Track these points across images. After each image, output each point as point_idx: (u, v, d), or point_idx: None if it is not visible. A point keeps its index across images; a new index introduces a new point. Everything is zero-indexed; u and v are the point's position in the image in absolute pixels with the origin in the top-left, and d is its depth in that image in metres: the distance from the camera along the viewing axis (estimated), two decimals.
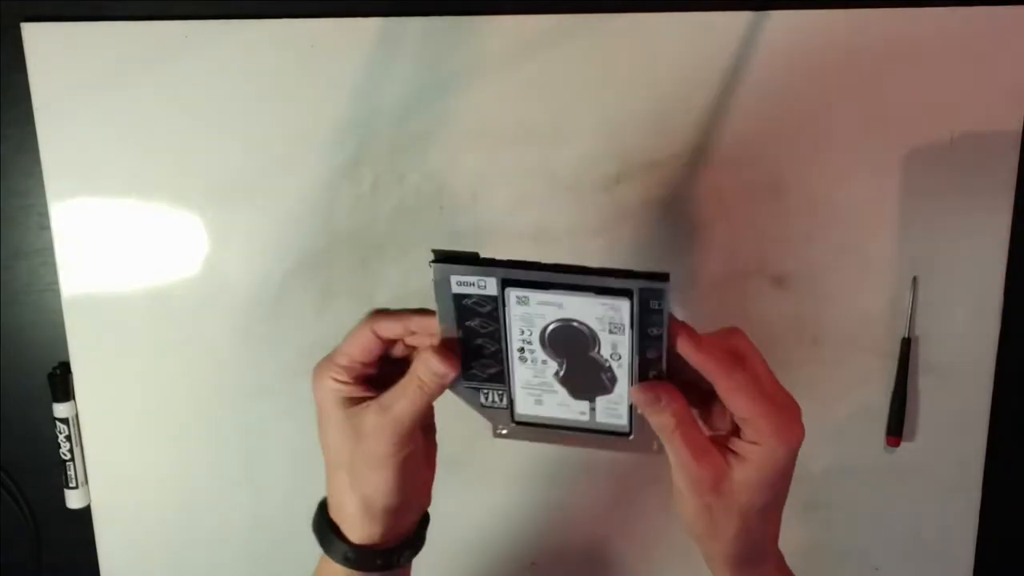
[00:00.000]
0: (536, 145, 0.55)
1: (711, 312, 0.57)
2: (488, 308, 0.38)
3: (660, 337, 0.37)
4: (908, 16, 0.53)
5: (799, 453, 0.38)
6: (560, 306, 0.38)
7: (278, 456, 0.60)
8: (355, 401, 0.40)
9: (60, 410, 0.59)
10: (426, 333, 0.39)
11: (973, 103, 0.54)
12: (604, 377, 0.39)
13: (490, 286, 0.38)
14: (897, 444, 0.58)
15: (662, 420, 0.38)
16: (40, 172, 0.55)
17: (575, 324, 0.38)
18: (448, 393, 0.40)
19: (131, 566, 0.62)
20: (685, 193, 0.56)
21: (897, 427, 0.58)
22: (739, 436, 0.38)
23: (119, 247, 0.57)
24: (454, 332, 0.39)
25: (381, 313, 0.40)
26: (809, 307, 0.57)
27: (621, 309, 0.37)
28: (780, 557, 0.42)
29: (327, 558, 0.41)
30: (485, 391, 0.41)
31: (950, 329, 0.57)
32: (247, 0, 0.54)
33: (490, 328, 0.39)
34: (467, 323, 0.39)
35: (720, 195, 0.55)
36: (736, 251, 0.56)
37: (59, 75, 0.54)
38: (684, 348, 0.37)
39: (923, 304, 0.57)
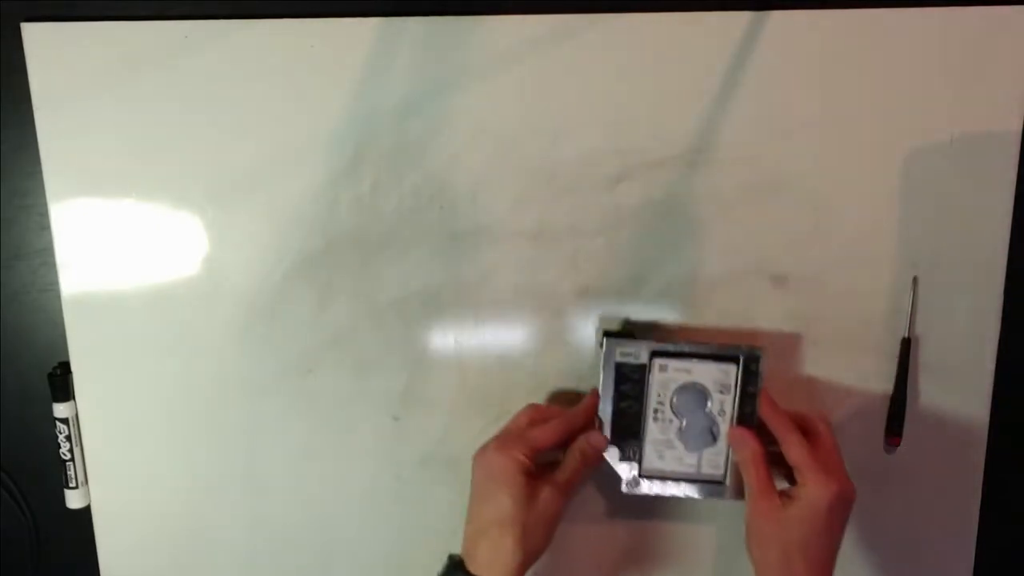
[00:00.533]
0: (536, 145, 0.55)
1: (711, 312, 0.57)
2: (637, 376, 0.53)
3: (755, 395, 0.52)
4: (908, 16, 0.53)
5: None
6: (689, 372, 0.52)
7: (278, 456, 0.60)
8: (531, 474, 0.51)
9: (60, 410, 0.59)
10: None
11: (973, 103, 0.54)
12: (712, 431, 0.53)
13: (642, 356, 0.53)
14: (897, 444, 0.58)
15: (743, 455, 0.52)
16: (40, 172, 0.55)
17: (697, 385, 0.53)
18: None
19: (131, 566, 0.62)
20: (685, 193, 0.56)
21: (897, 427, 0.57)
22: (794, 483, 0.51)
23: (119, 247, 0.57)
24: (610, 394, 0.53)
25: (568, 412, 0.54)
26: (809, 307, 0.57)
27: (730, 372, 0.52)
28: None
29: None
30: (623, 448, 0.54)
31: (950, 329, 0.57)
32: (247, 0, 0.54)
33: (635, 392, 0.53)
34: (621, 387, 0.53)
35: (720, 195, 0.55)
36: (736, 251, 0.56)
37: (59, 75, 0.54)
38: (764, 410, 0.52)
39: (923, 304, 0.57)
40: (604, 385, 0.53)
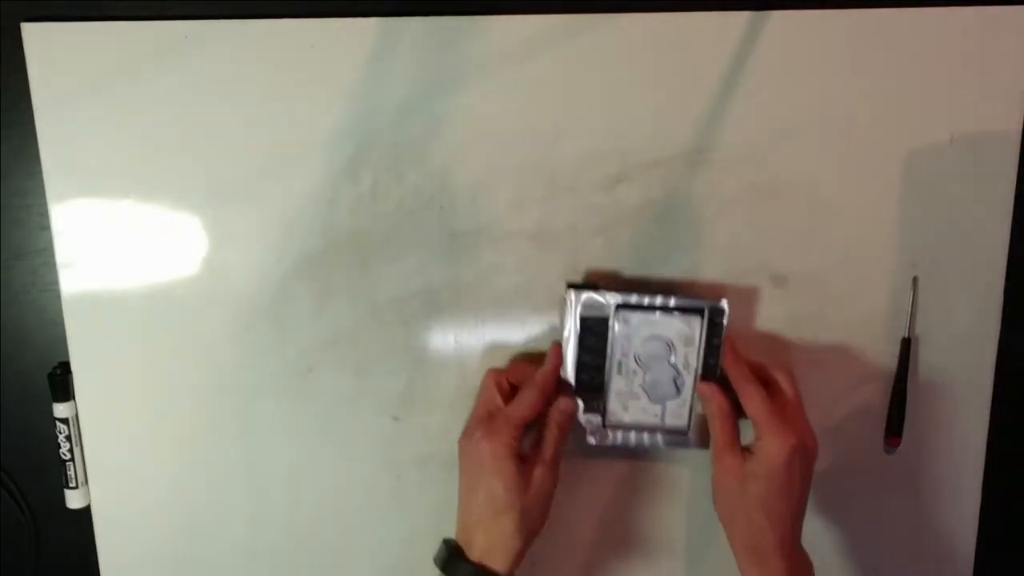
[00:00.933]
0: (536, 145, 0.55)
1: None
2: (601, 328, 0.53)
3: (719, 347, 0.52)
4: (908, 16, 0.53)
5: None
6: (652, 324, 0.52)
7: (278, 456, 0.60)
8: (520, 457, 0.50)
9: (60, 410, 0.59)
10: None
11: (973, 103, 0.54)
12: (676, 382, 0.53)
13: (607, 309, 0.52)
14: (897, 444, 0.58)
15: (710, 409, 0.52)
16: (40, 172, 0.55)
17: (661, 337, 0.52)
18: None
19: (131, 566, 0.62)
20: (685, 193, 0.56)
21: (897, 427, 0.58)
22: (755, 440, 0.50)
23: (119, 247, 0.57)
24: (574, 348, 0.53)
25: (536, 376, 0.53)
26: (809, 307, 0.57)
27: (694, 324, 0.52)
28: (794, 564, 0.49)
29: None
30: (588, 400, 0.54)
31: (950, 329, 0.57)
32: (247, 0, 0.54)
33: (599, 345, 0.53)
34: (584, 341, 0.53)
35: (720, 195, 0.55)
36: (736, 251, 0.56)
37: (59, 75, 0.54)
38: (726, 360, 0.52)
39: (923, 304, 0.57)
40: (569, 339, 0.53)
